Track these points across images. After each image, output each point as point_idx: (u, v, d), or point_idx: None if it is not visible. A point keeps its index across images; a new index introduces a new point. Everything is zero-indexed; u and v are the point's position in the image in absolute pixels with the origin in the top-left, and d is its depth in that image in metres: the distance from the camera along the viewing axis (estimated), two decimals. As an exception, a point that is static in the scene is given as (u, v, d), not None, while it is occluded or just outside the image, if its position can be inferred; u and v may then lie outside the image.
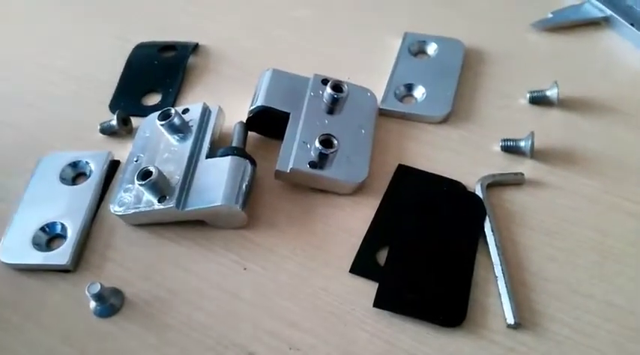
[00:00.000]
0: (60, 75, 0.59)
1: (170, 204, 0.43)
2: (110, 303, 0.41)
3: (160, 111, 0.48)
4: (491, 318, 0.40)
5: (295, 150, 0.46)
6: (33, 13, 0.67)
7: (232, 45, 0.61)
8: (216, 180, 0.44)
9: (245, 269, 0.43)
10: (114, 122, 0.51)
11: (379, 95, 0.53)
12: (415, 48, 0.57)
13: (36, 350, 0.40)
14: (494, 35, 0.59)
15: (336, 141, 0.45)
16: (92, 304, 0.41)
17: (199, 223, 0.45)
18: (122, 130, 0.52)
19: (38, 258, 0.43)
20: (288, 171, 0.45)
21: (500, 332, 0.39)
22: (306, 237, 0.45)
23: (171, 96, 0.55)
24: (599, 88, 0.53)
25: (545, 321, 0.39)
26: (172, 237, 0.45)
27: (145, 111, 0.53)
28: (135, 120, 0.53)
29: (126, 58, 0.59)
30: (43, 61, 0.61)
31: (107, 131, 0.52)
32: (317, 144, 0.45)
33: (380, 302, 0.40)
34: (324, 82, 0.51)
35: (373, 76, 0.55)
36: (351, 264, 0.43)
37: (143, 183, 0.42)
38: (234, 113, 0.51)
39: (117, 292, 0.42)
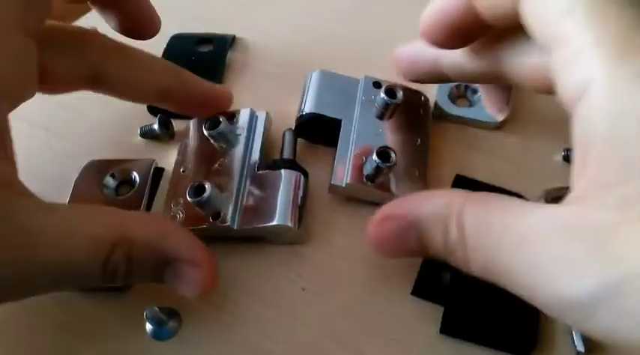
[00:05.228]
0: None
1: (225, 222, 0.41)
2: (169, 326, 0.40)
3: (206, 118, 0.45)
4: (558, 344, 0.39)
5: (350, 163, 0.44)
6: None
7: (267, 37, 0.58)
8: (271, 196, 0.42)
9: (303, 289, 0.42)
10: (155, 126, 0.49)
11: (430, 94, 0.50)
12: (466, 44, 0.54)
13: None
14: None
15: (394, 155, 0.43)
16: (148, 327, 0.40)
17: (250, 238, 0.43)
18: (164, 135, 0.49)
19: (88, 276, 0.42)
20: (344, 185, 0.43)
21: (569, 359, 0.38)
22: (362, 254, 0.43)
23: (212, 96, 0.52)
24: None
25: (612, 347, 0.39)
26: (224, 252, 0.44)
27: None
28: (174, 123, 0.51)
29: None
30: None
31: (148, 135, 0.50)
32: (374, 157, 0.42)
33: (447, 329, 0.39)
34: (376, 84, 0.48)
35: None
36: (410, 284, 0.41)
37: (196, 200, 0.40)
38: (278, 116, 0.49)
39: (174, 314, 0.40)
